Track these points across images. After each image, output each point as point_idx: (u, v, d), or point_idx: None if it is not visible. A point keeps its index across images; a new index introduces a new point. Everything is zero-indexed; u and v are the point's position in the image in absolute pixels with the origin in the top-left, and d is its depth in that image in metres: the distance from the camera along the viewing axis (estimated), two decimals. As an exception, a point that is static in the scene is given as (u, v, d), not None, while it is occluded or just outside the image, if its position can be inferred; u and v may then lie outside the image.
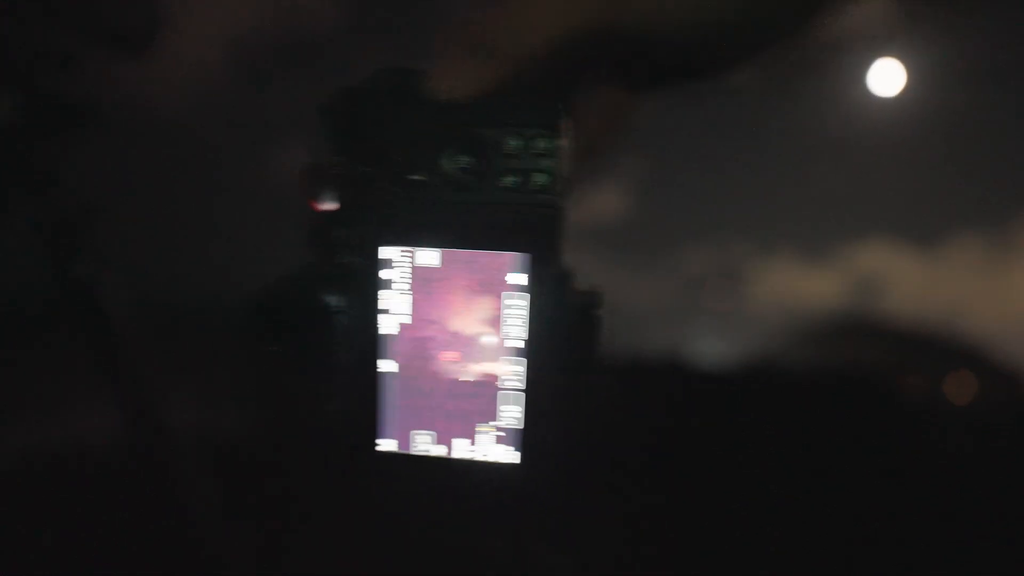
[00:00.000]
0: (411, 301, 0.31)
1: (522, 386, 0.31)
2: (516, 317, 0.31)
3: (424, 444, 0.32)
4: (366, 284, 0.31)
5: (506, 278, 0.30)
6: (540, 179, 0.30)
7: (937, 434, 2.02)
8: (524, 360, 0.31)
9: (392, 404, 0.32)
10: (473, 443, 0.32)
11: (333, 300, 0.31)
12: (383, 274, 0.31)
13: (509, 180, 0.30)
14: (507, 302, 0.31)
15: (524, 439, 0.31)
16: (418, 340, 0.31)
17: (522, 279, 0.30)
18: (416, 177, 0.31)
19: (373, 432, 0.32)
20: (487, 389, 0.31)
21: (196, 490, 0.74)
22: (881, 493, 1.65)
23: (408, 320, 0.31)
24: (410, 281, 0.31)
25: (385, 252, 0.31)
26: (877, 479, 1.70)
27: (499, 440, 0.31)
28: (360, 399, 0.32)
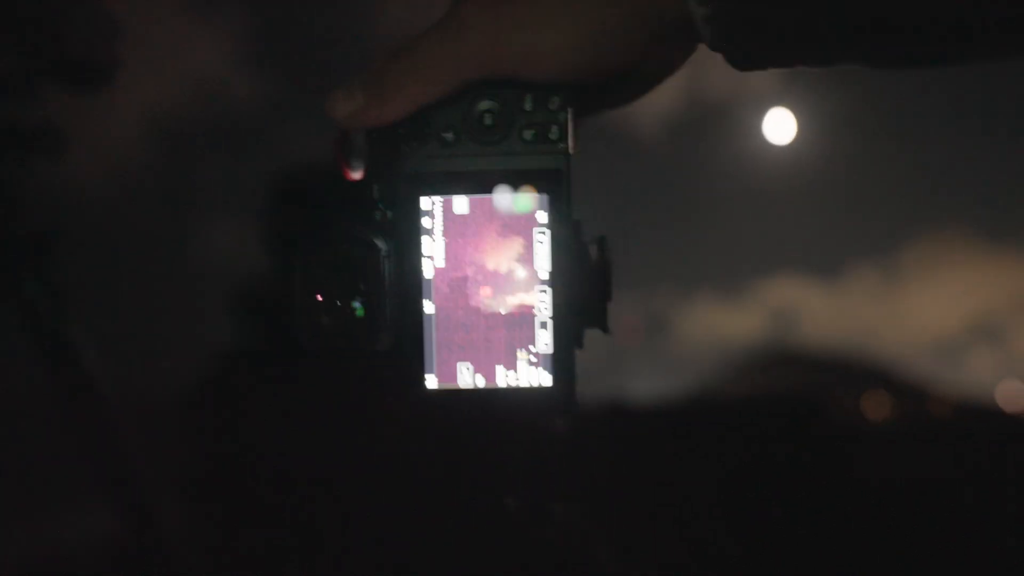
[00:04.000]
0: (445, 246, 0.35)
1: (551, 314, 0.35)
2: (543, 252, 0.35)
3: (467, 376, 0.35)
4: (408, 232, 0.35)
5: (535, 216, 0.35)
6: (553, 132, 0.35)
7: (858, 450, 2.13)
8: (550, 290, 0.35)
9: (435, 341, 0.35)
10: (514, 370, 0.35)
11: (380, 247, 0.34)
12: (424, 222, 0.35)
13: (528, 133, 0.35)
14: (536, 238, 0.35)
15: (554, 363, 0.35)
16: (455, 281, 0.35)
17: (544, 217, 0.34)
18: (446, 134, 0.35)
19: (421, 370, 0.35)
20: (522, 319, 0.35)
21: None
22: (808, 506, 1.73)
23: (443, 264, 0.35)
24: (443, 228, 0.35)
25: (424, 203, 0.35)
26: (804, 493, 1.78)
27: (535, 365, 0.35)
28: (407, 340, 0.35)
